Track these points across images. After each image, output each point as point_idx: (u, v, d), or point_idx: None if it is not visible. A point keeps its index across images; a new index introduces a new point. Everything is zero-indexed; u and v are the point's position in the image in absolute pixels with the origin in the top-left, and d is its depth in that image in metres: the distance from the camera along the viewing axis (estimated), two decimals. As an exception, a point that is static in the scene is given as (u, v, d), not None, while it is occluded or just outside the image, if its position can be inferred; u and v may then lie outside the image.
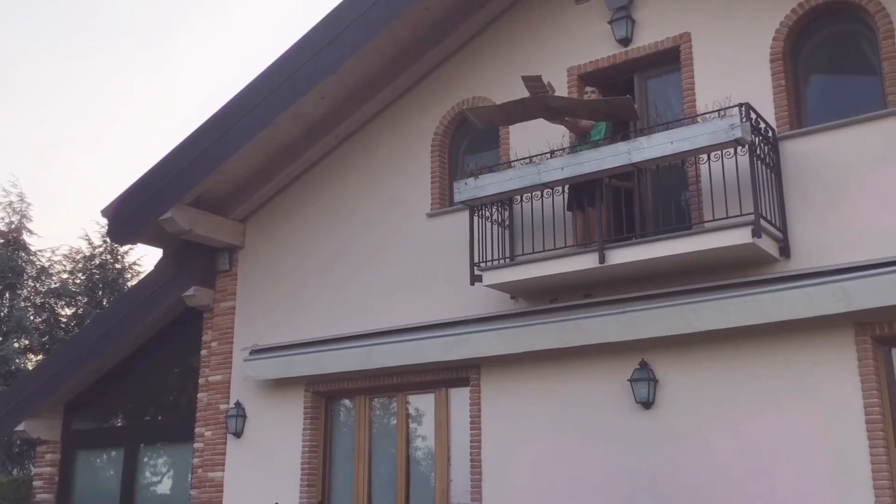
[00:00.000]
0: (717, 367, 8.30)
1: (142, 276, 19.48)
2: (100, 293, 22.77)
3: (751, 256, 8.04)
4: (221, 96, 37.96)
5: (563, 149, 8.95)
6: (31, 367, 20.03)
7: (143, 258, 26.44)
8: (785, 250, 8.15)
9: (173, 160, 10.92)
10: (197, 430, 11.61)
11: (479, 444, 9.46)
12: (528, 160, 8.86)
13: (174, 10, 44.21)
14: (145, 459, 12.73)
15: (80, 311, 22.40)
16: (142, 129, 42.60)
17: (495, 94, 10.09)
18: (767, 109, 8.49)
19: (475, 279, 9.10)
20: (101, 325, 12.75)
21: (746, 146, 7.85)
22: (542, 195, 8.92)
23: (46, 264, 22.72)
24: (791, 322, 7.83)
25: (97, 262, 23.15)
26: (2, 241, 21.99)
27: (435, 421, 10.07)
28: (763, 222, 7.77)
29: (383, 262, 10.57)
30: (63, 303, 22.61)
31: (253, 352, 11.09)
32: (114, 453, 13.04)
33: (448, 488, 9.79)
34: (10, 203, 22.55)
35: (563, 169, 8.52)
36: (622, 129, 9.09)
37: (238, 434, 11.16)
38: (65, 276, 22.88)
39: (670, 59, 9.36)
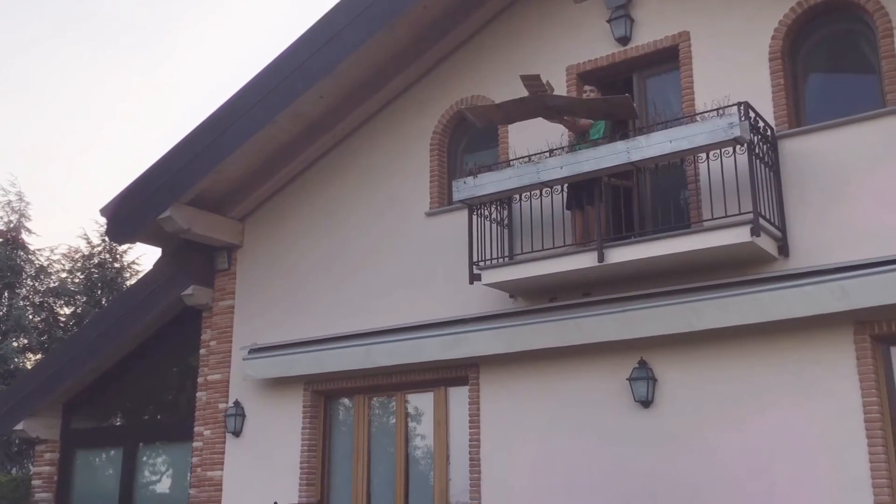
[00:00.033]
0: (716, 366, 8.31)
1: (140, 275, 19.53)
2: (98, 292, 22.78)
3: (750, 255, 8.04)
4: (220, 95, 37.98)
5: (562, 148, 8.95)
6: (29, 367, 20.03)
7: (142, 257, 26.53)
8: (784, 249, 8.16)
9: (172, 159, 10.92)
10: (196, 429, 11.61)
11: (478, 442, 9.47)
12: (526, 159, 8.86)
13: (173, 9, 44.21)
14: (144, 458, 12.73)
15: (78, 311, 22.41)
16: (140, 128, 42.62)
17: (494, 93, 10.09)
18: (766, 108, 8.49)
19: (474, 278, 9.10)
20: (100, 324, 12.75)
21: (745, 145, 7.85)
22: (540, 194, 8.92)
23: (45, 263, 22.75)
24: (790, 321, 7.84)
25: (96, 262, 23.17)
26: (0, 240, 21.98)
27: (434, 420, 10.07)
28: (762, 221, 7.78)
29: (382, 261, 10.57)
30: (62, 302, 22.63)
31: (252, 351, 11.09)
32: (113, 452, 13.04)
33: (447, 487, 9.79)
34: (9, 202, 22.58)
35: (562, 168, 8.52)
36: (621, 128, 9.09)
37: (237, 433, 11.16)
38: (63, 275, 22.90)
39: (669, 57, 9.36)
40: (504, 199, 9.24)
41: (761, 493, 7.85)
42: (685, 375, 8.44)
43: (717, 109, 7.96)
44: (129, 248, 23.35)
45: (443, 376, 9.92)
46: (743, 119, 7.76)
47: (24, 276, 22.30)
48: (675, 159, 8.35)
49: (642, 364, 8.61)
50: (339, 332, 10.50)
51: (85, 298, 22.53)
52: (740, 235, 7.75)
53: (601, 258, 8.30)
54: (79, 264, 23.11)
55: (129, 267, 23.46)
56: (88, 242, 23.32)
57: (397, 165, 10.82)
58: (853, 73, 8.79)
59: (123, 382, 13.02)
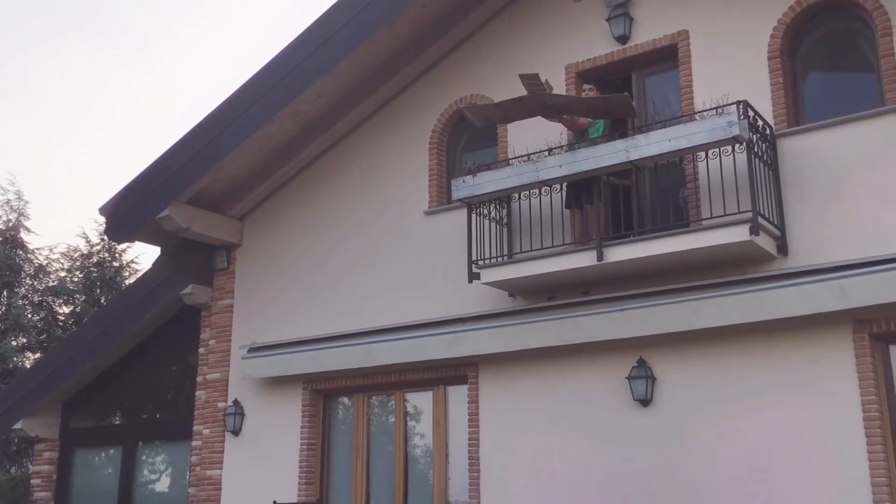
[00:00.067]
0: (714, 365, 8.31)
1: (139, 274, 19.54)
2: (98, 291, 22.78)
3: (748, 254, 8.04)
4: (219, 94, 37.99)
5: (561, 147, 8.95)
6: (29, 366, 20.02)
7: (141, 256, 26.49)
8: (783, 248, 8.16)
9: (171, 158, 10.91)
10: (195, 428, 11.61)
11: (477, 441, 9.47)
12: (526, 158, 8.86)
13: (172, 8, 44.19)
14: (143, 457, 12.73)
15: (77, 310, 22.40)
16: (139, 127, 42.60)
17: (493, 91, 10.09)
18: (765, 107, 8.49)
19: (473, 277, 9.10)
20: (99, 323, 12.74)
21: (744, 144, 7.85)
22: (540, 193, 8.92)
23: (44, 262, 22.74)
24: (789, 319, 7.84)
25: (95, 261, 23.15)
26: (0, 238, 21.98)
27: (433, 419, 10.07)
28: (761, 220, 7.78)
29: (381, 260, 10.57)
30: (61, 301, 22.61)
31: (251, 350, 11.09)
32: (112, 451, 13.04)
33: (446, 486, 9.80)
34: (8, 201, 22.56)
35: (561, 167, 8.52)
36: (620, 126, 9.08)
37: (236, 432, 11.16)
38: (62, 274, 22.89)
39: (668, 56, 9.36)
40: (503, 198, 9.24)
41: (760, 492, 7.85)
42: (684, 374, 8.45)
43: (716, 108, 7.96)
44: (128, 247, 23.35)
45: (442, 375, 9.92)
46: (742, 118, 7.76)
47: (23, 275, 22.29)
48: (673, 158, 8.35)
49: (641, 363, 8.61)
50: (338, 331, 10.50)
51: (84, 297, 22.52)
52: (739, 234, 7.75)
53: (600, 257, 8.30)
54: (78, 263, 23.10)
55: (128, 266, 23.46)
56: (87, 241, 23.32)
57: (396, 164, 10.81)
58: (852, 71, 8.79)
59: (122, 381, 13.02)
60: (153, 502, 12.48)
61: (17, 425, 12.84)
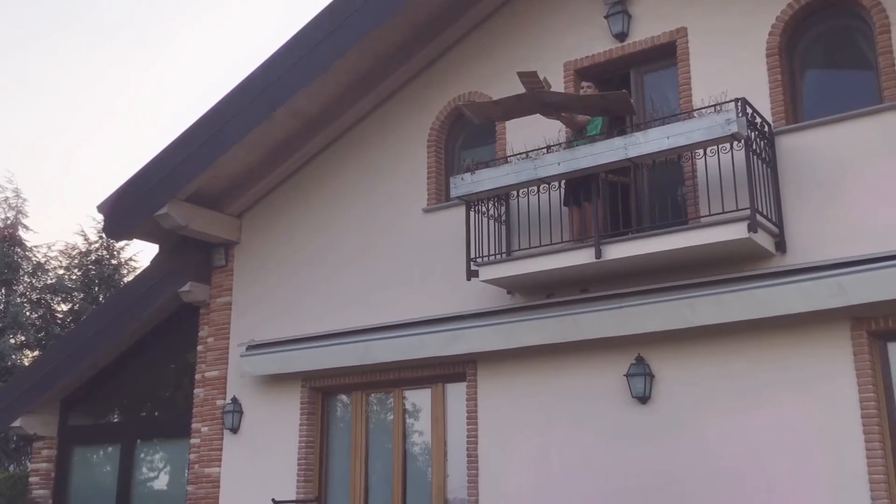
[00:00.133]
0: (713, 362, 8.31)
1: (138, 271, 19.49)
2: (96, 289, 22.76)
3: (747, 251, 8.05)
4: (217, 91, 37.95)
5: (560, 144, 8.95)
6: (27, 363, 20.01)
7: (139, 254, 26.50)
8: (781, 245, 8.16)
9: (169, 155, 10.90)
10: (193, 425, 11.61)
11: (476, 439, 9.47)
12: (524, 155, 8.86)
13: (171, 5, 44.14)
14: (142, 455, 12.73)
15: (76, 307, 22.38)
16: (137, 124, 42.58)
17: (492, 89, 10.08)
18: (763, 104, 8.49)
19: (472, 274, 9.10)
20: (98, 320, 12.73)
21: (742, 141, 7.85)
22: (538, 190, 8.92)
23: (42, 260, 22.71)
24: (787, 317, 7.84)
25: (93, 258, 23.13)
26: (-2, 237, 21.96)
27: (431, 416, 10.07)
28: (759, 217, 7.78)
29: (380, 258, 10.57)
30: (59, 299, 22.59)
31: (249, 347, 11.09)
32: (110, 449, 13.03)
33: (444, 483, 9.80)
34: (6, 199, 22.53)
35: (559, 164, 8.52)
36: (618, 124, 9.08)
37: (234, 430, 11.16)
38: (61, 271, 22.87)
39: (666, 54, 9.36)
40: (501, 196, 9.24)
41: (759, 489, 7.86)
42: (682, 371, 8.45)
43: (714, 106, 7.96)
44: (127, 244, 23.34)
45: (440, 372, 9.93)
46: (740, 115, 7.76)
47: (22, 272, 22.26)
48: (672, 155, 8.35)
49: (639, 360, 8.62)
50: (337, 329, 10.50)
51: (82, 295, 22.50)
52: (737, 232, 7.75)
53: (598, 254, 8.30)
54: (76, 261, 23.08)
55: (127, 264, 23.43)
56: (86, 239, 23.29)
57: (395, 162, 10.81)
58: (850, 69, 8.79)
59: (121, 379, 13.01)
60: (152, 500, 12.47)
61: (16, 423, 12.83)
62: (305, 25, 10.26)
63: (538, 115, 9.17)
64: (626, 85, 9.58)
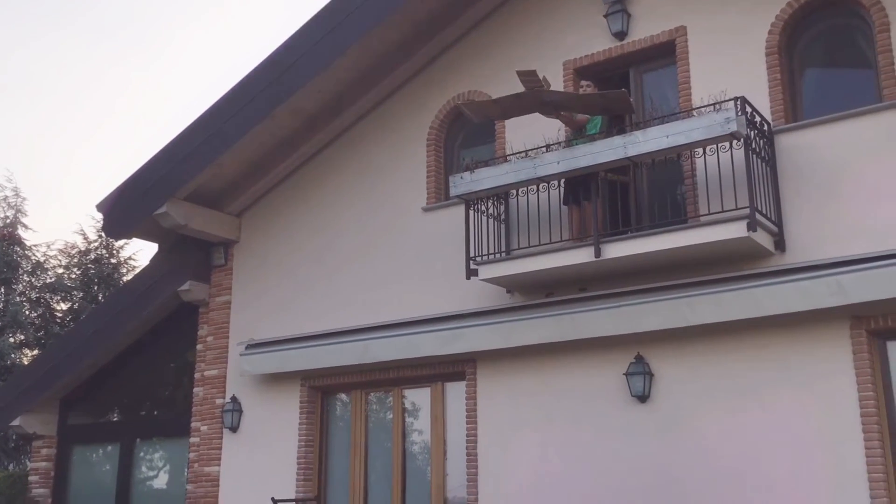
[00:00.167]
0: (712, 361, 8.31)
1: (137, 270, 19.47)
2: (95, 288, 22.75)
3: (746, 250, 8.05)
4: (217, 90, 37.95)
5: (559, 143, 8.95)
6: (26, 363, 20.01)
7: (139, 253, 26.48)
8: (780, 244, 8.16)
9: (168, 154, 10.90)
10: (193, 424, 11.61)
11: (475, 437, 9.47)
12: (523, 154, 8.86)
13: (171, 4, 44.11)
14: (141, 454, 12.73)
15: (75, 306, 22.37)
16: (137, 123, 42.57)
17: (491, 88, 10.08)
18: (763, 103, 8.49)
19: (471, 273, 9.10)
20: (97, 319, 12.73)
21: (742, 140, 7.85)
22: (537, 189, 8.92)
23: (42, 259, 22.70)
24: (786, 315, 7.84)
25: (92, 257, 23.11)
26: (-2, 236, 21.95)
27: (431, 415, 10.07)
28: (758, 216, 7.78)
29: (379, 257, 10.57)
30: (58, 298, 22.58)
31: (249, 346, 11.09)
32: (110, 448, 13.03)
33: (444, 482, 9.80)
34: (5, 198, 22.52)
35: (558, 163, 8.52)
36: (618, 123, 9.09)
37: (234, 429, 11.16)
38: (60, 270, 22.85)
39: (666, 52, 9.36)
40: (501, 195, 9.24)
41: (758, 488, 7.86)
42: (682, 370, 8.45)
43: (713, 104, 7.96)
44: (126, 243, 23.32)
45: (440, 371, 9.93)
46: (739, 114, 7.76)
47: (21, 271, 22.25)
48: (671, 154, 8.35)
49: (639, 359, 8.62)
50: (336, 328, 10.50)
51: (81, 294, 22.49)
52: (737, 230, 7.76)
53: (598, 253, 8.30)
54: (75, 260, 23.06)
55: (126, 263, 23.41)
56: (85, 238, 23.27)
57: (394, 161, 10.81)
58: (850, 67, 8.79)
59: (120, 378, 13.00)
60: (151, 499, 12.48)
61: (15, 422, 12.83)
62: (305, 24, 10.26)
63: (537, 114, 9.17)
64: (625, 84, 9.57)
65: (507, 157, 9.05)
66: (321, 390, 10.89)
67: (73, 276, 22.81)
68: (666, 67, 9.43)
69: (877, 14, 8.24)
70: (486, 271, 9.02)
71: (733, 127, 7.68)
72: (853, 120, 8.12)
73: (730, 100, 7.90)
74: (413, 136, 10.71)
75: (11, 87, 39.68)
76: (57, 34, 41.69)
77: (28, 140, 39.39)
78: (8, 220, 22.27)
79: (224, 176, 11.15)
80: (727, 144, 7.95)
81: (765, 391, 8.01)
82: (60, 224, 38.94)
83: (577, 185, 8.83)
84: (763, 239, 7.94)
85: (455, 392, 9.89)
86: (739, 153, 7.97)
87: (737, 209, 7.85)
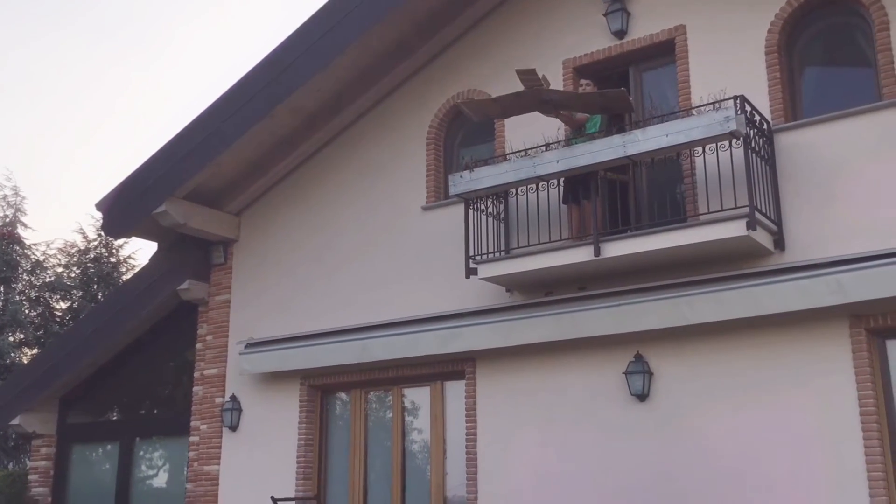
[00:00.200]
0: (711, 360, 8.32)
1: (136, 269, 19.47)
2: (95, 287, 22.73)
3: (745, 249, 8.05)
4: (216, 89, 37.93)
5: (559, 142, 8.95)
6: (26, 361, 20.00)
7: (138, 252, 26.39)
8: (779, 243, 8.16)
9: (167, 153, 10.90)
10: (192, 423, 11.61)
11: (475, 436, 9.48)
12: (523, 153, 8.86)
13: (170, 4, 44.08)
14: (141, 453, 12.73)
15: (74, 305, 22.36)
16: (136, 122, 42.56)
17: (491, 87, 10.08)
18: (762, 102, 8.49)
19: (470, 272, 9.10)
20: (96, 318, 12.73)
21: (741, 139, 7.85)
22: (537, 188, 8.92)
23: (41, 258, 22.68)
24: (786, 314, 7.85)
25: (92, 256, 23.10)
26: (-3, 235, 21.93)
27: (430, 414, 10.08)
28: (758, 215, 7.78)
29: (379, 256, 10.56)
30: (58, 297, 22.56)
31: (248, 345, 11.09)
32: (109, 447, 13.02)
33: (443, 481, 9.81)
34: (5, 197, 22.51)
35: (558, 162, 8.52)
36: (617, 121, 9.08)
37: (233, 427, 11.16)
38: (59, 269, 22.84)
39: (665, 51, 9.36)
40: (500, 194, 9.24)
41: (758, 486, 7.86)
42: (681, 369, 8.45)
43: (713, 103, 7.95)
44: (125, 242, 23.31)
45: (439, 370, 9.93)
46: (739, 113, 7.75)
47: (20, 270, 22.24)
48: (671, 153, 8.35)
49: (638, 358, 8.62)
50: (336, 327, 10.50)
51: (81, 293, 22.47)
52: (736, 229, 7.76)
53: (597, 252, 8.30)
54: (75, 259, 23.05)
55: (125, 262, 23.40)
56: (84, 237, 23.26)
57: (394, 160, 10.80)
58: (849, 66, 8.79)
59: (119, 377, 13.00)
60: (151, 498, 12.48)
61: (15, 421, 12.83)
62: (305, 23, 10.25)
63: (537, 113, 9.17)
64: (624, 83, 9.57)
65: (507, 156, 9.05)
66: (321, 389, 10.89)
67: (73, 274, 22.80)
68: (665, 66, 9.43)
69: (876, 13, 8.24)
70: (486, 270, 9.02)
71: (733, 126, 7.68)
72: (853, 119, 8.12)
73: (729, 99, 7.90)
74: (412, 134, 10.70)
75: (11, 86, 39.68)
76: (57, 34, 41.69)
77: (28, 139, 39.41)
78: (7, 219, 22.26)
79: (223, 175, 11.15)
80: (727, 143, 7.94)
81: (764, 390, 8.01)
82: (60, 223, 38.95)
83: (577, 183, 8.82)
84: (762, 238, 7.94)
85: (454, 391, 9.89)
86: (739, 152, 7.97)
87: (736, 208, 7.85)
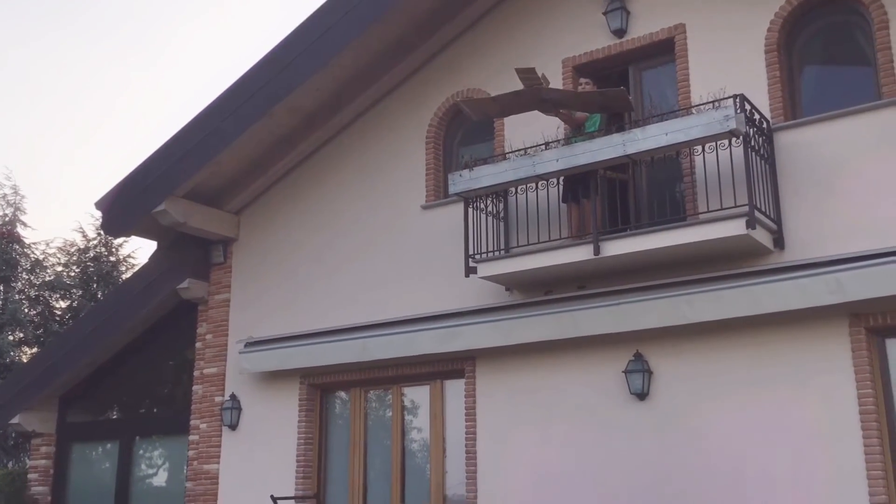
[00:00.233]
0: (711, 359, 8.32)
1: (136, 268, 19.46)
2: (94, 286, 22.72)
3: (745, 248, 8.05)
4: (216, 88, 37.93)
5: (558, 141, 8.95)
6: (25, 360, 20.00)
7: (138, 251, 26.49)
8: (779, 241, 8.16)
9: (167, 152, 10.89)
10: (192, 422, 11.61)
11: (474, 435, 9.48)
12: (522, 152, 8.86)
13: (169, 3, 44.06)
14: (140, 452, 12.73)
15: (74, 304, 22.34)
16: (136, 121, 42.54)
17: (490, 86, 10.07)
18: (762, 101, 8.49)
19: (470, 271, 9.10)
20: (96, 317, 12.72)
21: (741, 137, 7.85)
22: (536, 187, 8.92)
23: (41, 257, 22.66)
24: (785, 313, 7.85)
25: (91, 255, 23.08)
26: (-3, 234, 21.92)
27: (430, 413, 10.08)
28: (757, 213, 7.78)
29: (378, 254, 10.56)
30: (58, 295, 22.55)
31: (248, 344, 11.09)
32: (109, 446, 13.02)
33: (443, 480, 9.81)
34: (4, 196, 22.49)
35: (557, 161, 8.52)
36: (617, 120, 9.08)
37: (233, 426, 11.16)
38: (59, 268, 22.82)
39: (665, 50, 9.35)
40: (500, 192, 9.23)
41: (757, 485, 7.86)
42: (681, 368, 8.46)
43: (712, 102, 7.96)
44: (125, 241, 23.27)
45: (439, 369, 9.93)
46: (739, 111, 7.75)
47: (20, 269, 22.23)
48: (670, 152, 8.35)
49: (638, 357, 8.62)
50: (336, 326, 10.50)
51: (81, 292, 22.45)
52: (736, 228, 7.76)
53: (597, 251, 8.30)
54: (74, 258, 23.03)
55: (125, 260, 23.37)
56: (84, 236, 23.23)
57: (393, 159, 10.80)
58: (849, 65, 8.78)
59: (119, 376, 13.00)
60: (150, 497, 12.48)
61: (14, 420, 12.83)
62: (304, 22, 10.25)
63: (536, 112, 9.17)
64: (624, 81, 9.57)
65: (506, 155, 9.04)
66: (320, 388, 10.89)
67: (73, 273, 22.78)
68: (665, 65, 9.43)
69: (876, 11, 8.24)
70: (486, 269, 9.02)
71: (732, 125, 7.68)
72: (852, 117, 8.12)
73: (729, 97, 7.90)
74: (412, 133, 10.70)
75: (11, 86, 39.66)
76: (57, 34, 41.66)
77: (28, 139, 39.38)
78: (7, 218, 22.24)
79: (223, 174, 11.15)
80: (726, 142, 7.94)
81: (764, 389, 8.01)
82: (59, 222, 38.93)
83: (577, 182, 8.82)
84: (762, 237, 7.94)
85: (454, 390, 9.89)
86: (738, 151, 7.97)
87: (736, 207, 7.85)
